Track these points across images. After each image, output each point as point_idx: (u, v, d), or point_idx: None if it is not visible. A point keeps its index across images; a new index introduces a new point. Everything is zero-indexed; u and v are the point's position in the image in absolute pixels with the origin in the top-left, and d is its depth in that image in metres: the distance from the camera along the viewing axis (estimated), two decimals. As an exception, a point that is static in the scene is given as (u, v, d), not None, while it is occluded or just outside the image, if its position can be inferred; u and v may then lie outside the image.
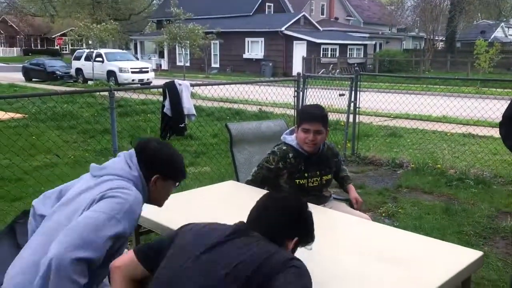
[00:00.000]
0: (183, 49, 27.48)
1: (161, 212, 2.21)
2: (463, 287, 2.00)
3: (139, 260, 1.61)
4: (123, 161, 1.96)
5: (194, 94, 7.47)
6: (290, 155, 3.01)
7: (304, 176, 3.02)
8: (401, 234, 2.34)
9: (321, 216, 2.28)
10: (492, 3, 43.35)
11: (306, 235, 1.70)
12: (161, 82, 5.88)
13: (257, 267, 1.41)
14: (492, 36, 37.88)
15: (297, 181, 3.01)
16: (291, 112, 7.14)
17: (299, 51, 29.43)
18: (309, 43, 29.65)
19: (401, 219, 4.60)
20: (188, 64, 29.49)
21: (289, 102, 7.60)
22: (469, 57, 23.98)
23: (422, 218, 4.60)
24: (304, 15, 32.41)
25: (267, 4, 35.10)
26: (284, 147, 3.05)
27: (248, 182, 3.17)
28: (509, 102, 2.75)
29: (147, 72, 22.12)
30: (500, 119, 2.76)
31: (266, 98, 7.42)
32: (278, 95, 7.68)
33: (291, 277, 1.41)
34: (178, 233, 1.65)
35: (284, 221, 1.64)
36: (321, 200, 3.11)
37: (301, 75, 6.71)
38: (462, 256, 1.98)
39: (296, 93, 6.51)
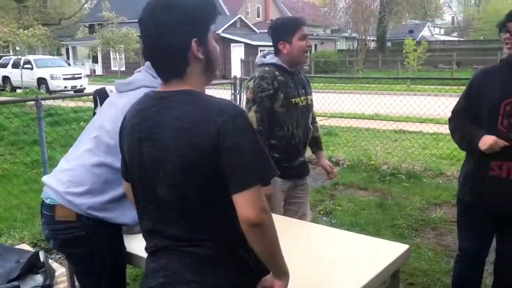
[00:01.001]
0: (117, 53, 26.85)
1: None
2: (392, 279, 2.07)
3: (125, 180, 1.63)
4: (145, 73, 2.03)
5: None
6: (277, 73, 2.69)
7: (297, 94, 2.75)
8: (336, 233, 2.39)
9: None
10: (418, 3, 45.65)
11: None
12: (95, 87, 5.69)
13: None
14: (420, 35, 39.77)
15: (293, 100, 2.72)
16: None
17: (237, 54, 29.56)
18: (247, 46, 29.85)
19: (338, 216, 4.72)
20: (123, 68, 28.83)
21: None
22: (398, 56, 25.01)
23: (358, 214, 4.74)
24: (240, 18, 32.64)
25: (202, 7, 34.92)
26: (267, 68, 2.71)
27: (259, 132, 2.50)
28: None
29: (80, 78, 21.34)
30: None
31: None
32: (215, 98, 7.64)
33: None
34: (122, 136, 1.56)
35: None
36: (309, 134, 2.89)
37: (238, 78, 6.73)
38: (390, 251, 2.04)
39: (233, 95, 6.52)
